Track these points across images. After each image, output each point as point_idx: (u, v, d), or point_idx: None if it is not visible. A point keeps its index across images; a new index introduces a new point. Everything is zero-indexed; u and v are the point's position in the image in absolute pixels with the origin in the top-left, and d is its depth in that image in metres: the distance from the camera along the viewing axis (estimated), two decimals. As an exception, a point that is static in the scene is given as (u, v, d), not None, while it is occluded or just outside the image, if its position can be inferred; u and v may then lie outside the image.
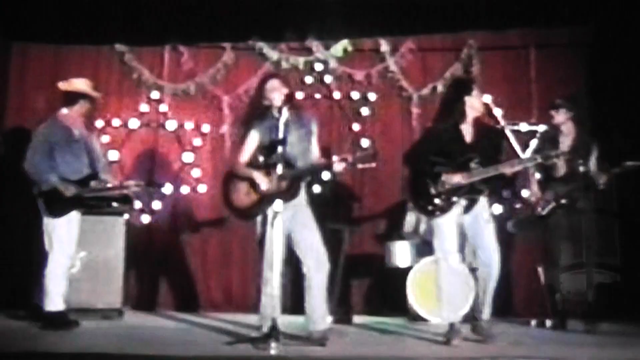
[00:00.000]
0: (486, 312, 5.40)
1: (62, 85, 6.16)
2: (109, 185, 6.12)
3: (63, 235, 5.78)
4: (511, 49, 7.88)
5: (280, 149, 4.94)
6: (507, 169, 5.26)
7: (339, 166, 5.12)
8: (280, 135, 4.95)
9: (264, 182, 5.13)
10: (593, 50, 7.59)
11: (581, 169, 6.01)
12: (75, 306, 6.00)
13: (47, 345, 4.83)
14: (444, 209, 5.30)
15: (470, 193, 5.29)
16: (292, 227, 5.15)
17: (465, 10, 7.42)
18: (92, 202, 6.01)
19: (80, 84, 6.16)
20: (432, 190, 5.33)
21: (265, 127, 5.22)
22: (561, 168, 6.21)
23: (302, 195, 5.25)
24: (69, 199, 5.80)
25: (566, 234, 6.19)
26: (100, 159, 6.17)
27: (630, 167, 5.98)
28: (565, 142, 6.26)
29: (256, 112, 5.32)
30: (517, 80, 7.82)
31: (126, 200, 6.43)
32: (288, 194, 5.05)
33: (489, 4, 7.33)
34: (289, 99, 5.12)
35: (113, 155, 7.70)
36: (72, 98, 6.09)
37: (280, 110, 5.05)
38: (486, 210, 5.40)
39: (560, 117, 6.29)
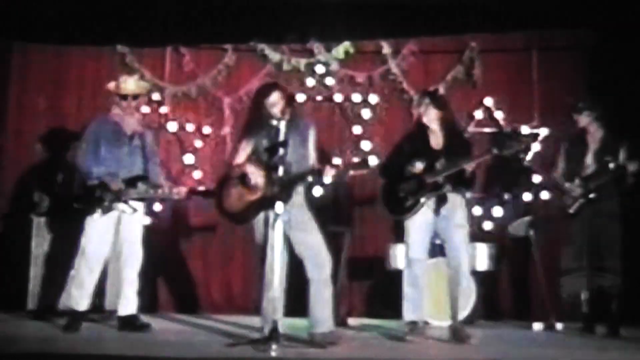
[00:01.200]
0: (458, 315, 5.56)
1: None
2: (159, 190, 5.95)
3: (92, 236, 5.74)
4: (513, 51, 7.86)
5: (281, 151, 4.93)
6: (466, 165, 5.47)
7: (329, 172, 5.05)
8: (282, 138, 4.94)
9: (258, 176, 5.10)
10: (595, 54, 7.57)
11: (611, 165, 5.99)
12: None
13: (48, 347, 4.82)
14: (412, 208, 5.56)
15: (434, 190, 5.51)
16: (290, 230, 5.09)
17: (467, 13, 7.42)
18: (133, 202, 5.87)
19: (120, 85, 6.00)
20: (401, 193, 5.60)
21: (262, 132, 5.21)
22: (589, 166, 6.19)
23: (300, 197, 5.22)
24: (113, 194, 5.71)
25: (583, 239, 6.12)
26: (153, 160, 6.00)
27: None
28: (592, 143, 6.25)
29: (254, 118, 5.30)
30: (519, 83, 7.81)
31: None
32: (279, 199, 4.95)
33: (491, 7, 7.32)
34: (289, 103, 5.12)
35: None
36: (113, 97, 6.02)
37: (280, 115, 5.06)
38: (460, 214, 5.55)
39: (584, 119, 6.27)
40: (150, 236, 7.63)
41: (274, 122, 5.05)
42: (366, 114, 7.88)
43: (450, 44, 7.95)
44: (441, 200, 5.53)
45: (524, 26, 7.66)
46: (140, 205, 5.93)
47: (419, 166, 5.53)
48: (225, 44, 7.99)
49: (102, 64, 7.97)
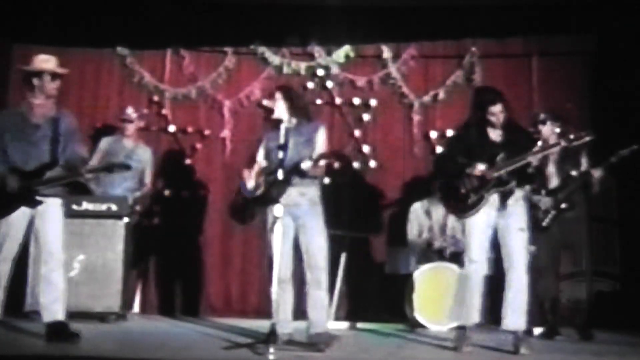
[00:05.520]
0: (507, 322, 5.25)
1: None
2: (63, 174, 5.29)
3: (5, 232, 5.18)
4: (513, 56, 7.87)
5: (280, 154, 5.00)
6: (532, 158, 5.16)
7: (305, 165, 5.08)
8: (281, 141, 5.00)
9: (250, 181, 5.25)
10: (595, 59, 7.59)
11: (573, 172, 6.04)
12: (74, 309, 5.96)
13: (46, 349, 4.81)
14: (475, 205, 5.22)
15: (498, 186, 5.20)
16: (298, 230, 5.20)
17: (467, 18, 7.44)
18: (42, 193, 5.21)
19: (35, 62, 5.38)
20: (462, 189, 5.27)
21: (270, 137, 5.34)
22: (553, 179, 6.19)
23: (306, 198, 5.22)
24: (13, 194, 5.14)
25: (559, 243, 6.16)
26: (68, 145, 5.32)
27: (625, 154, 5.97)
28: (552, 155, 6.24)
29: (268, 119, 5.40)
30: (519, 88, 7.79)
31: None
32: (269, 198, 5.07)
33: (492, 12, 7.34)
34: (291, 104, 5.20)
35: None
36: (27, 80, 5.34)
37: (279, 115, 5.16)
38: (520, 216, 5.25)
39: (547, 130, 6.28)
40: (149, 239, 7.70)
41: (281, 123, 5.14)
42: (366, 117, 7.89)
43: (451, 49, 7.96)
44: (506, 196, 5.22)
45: (524, 31, 7.68)
46: (55, 200, 5.29)
47: (480, 168, 5.19)
48: (225, 46, 8.01)
49: (102, 66, 7.99)
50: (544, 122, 6.23)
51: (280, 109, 5.30)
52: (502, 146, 5.26)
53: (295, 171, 5.10)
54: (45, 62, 5.40)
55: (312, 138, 5.27)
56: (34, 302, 6.18)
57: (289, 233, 5.17)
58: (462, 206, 5.29)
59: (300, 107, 5.35)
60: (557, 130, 6.19)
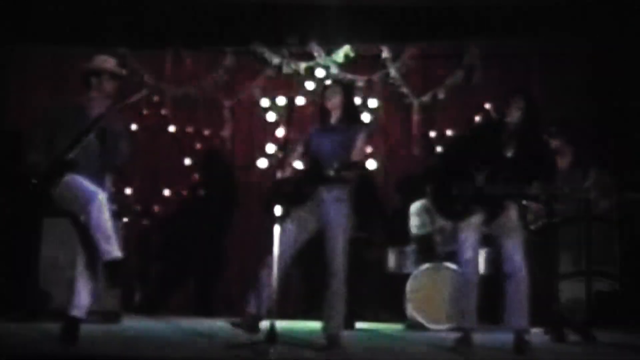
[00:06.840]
0: (513, 321, 5.17)
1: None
2: None
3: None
4: (513, 57, 7.86)
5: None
6: (534, 189, 5.04)
7: (329, 173, 5.07)
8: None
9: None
10: (595, 60, 7.59)
11: (576, 190, 6.01)
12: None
13: (46, 349, 4.81)
14: (460, 214, 5.17)
15: (490, 203, 5.08)
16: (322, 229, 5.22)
17: (467, 18, 7.44)
18: None
19: (94, 61, 5.43)
20: (454, 193, 5.19)
21: (313, 132, 5.50)
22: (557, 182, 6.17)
23: (330, 195, 5.20)
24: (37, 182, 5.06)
25: (565, 242, 6.16)
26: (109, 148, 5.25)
27: (633, 198, 5.99)
28: (561, 164, 6.24)
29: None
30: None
31: None
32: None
33: (492, 12, 7.34)
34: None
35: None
36: (86, 79, 5.39)
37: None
38: (513, 216, 5.17)
39: (556, 142, 6.26)
40: (148, 239, 7.71)
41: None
42: (365, 118, 7.88)
43: (450, 49, 7.95)
44: (494, 215, 5.09)
45: (524, 32, 7.67)
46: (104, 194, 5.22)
47: (479, 180, 5.06)
48: (225, 46, 8.00)
49: (102, 65, 7.96)
50: (552, 135, 6.21)
51: (334, 103, 5.34)
52: (509, 161, 5.07)
53: (318, 177, 5.13)
54: (105, 62, 5.44)
55: (351, 140, 5.24)
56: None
57: (303, 230, 5.21)
58: (448, 211, 5.29)
59: (348, 107, 5.39)
60: (565, 140, 6.19)
